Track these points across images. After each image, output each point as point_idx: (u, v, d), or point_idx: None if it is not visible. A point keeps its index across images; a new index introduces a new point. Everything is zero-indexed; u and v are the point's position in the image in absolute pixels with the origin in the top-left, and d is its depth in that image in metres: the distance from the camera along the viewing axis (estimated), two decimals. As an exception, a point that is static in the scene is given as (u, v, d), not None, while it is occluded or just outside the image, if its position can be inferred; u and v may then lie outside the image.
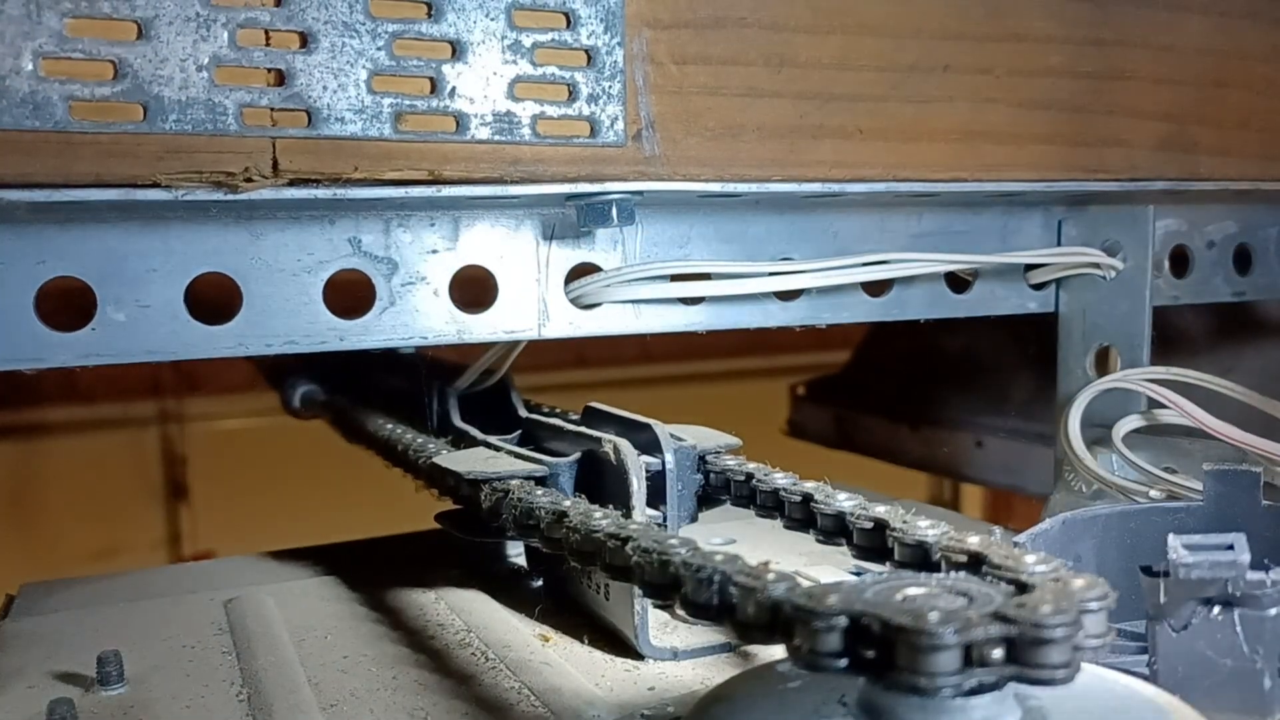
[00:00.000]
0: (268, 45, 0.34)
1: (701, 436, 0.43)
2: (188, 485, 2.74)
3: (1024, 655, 0.20)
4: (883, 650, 0.21)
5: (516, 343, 0.49)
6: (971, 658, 0.20)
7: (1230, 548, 0.32)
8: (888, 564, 0.30)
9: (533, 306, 0.43)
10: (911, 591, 0.22)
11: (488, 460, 0.41)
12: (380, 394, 0.67)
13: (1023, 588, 0.23)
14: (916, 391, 0.99)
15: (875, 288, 0.47)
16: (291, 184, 0.35)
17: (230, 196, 0.34)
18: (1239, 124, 0.50)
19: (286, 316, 0.39)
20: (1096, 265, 0.48)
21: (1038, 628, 0.20)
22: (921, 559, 0.27)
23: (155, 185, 0.33)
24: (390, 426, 0.55)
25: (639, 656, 0.39)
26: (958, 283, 0.49)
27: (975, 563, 0.25)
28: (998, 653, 0.20)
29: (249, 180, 0.34)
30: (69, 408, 2.56)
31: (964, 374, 0.96)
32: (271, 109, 0.34)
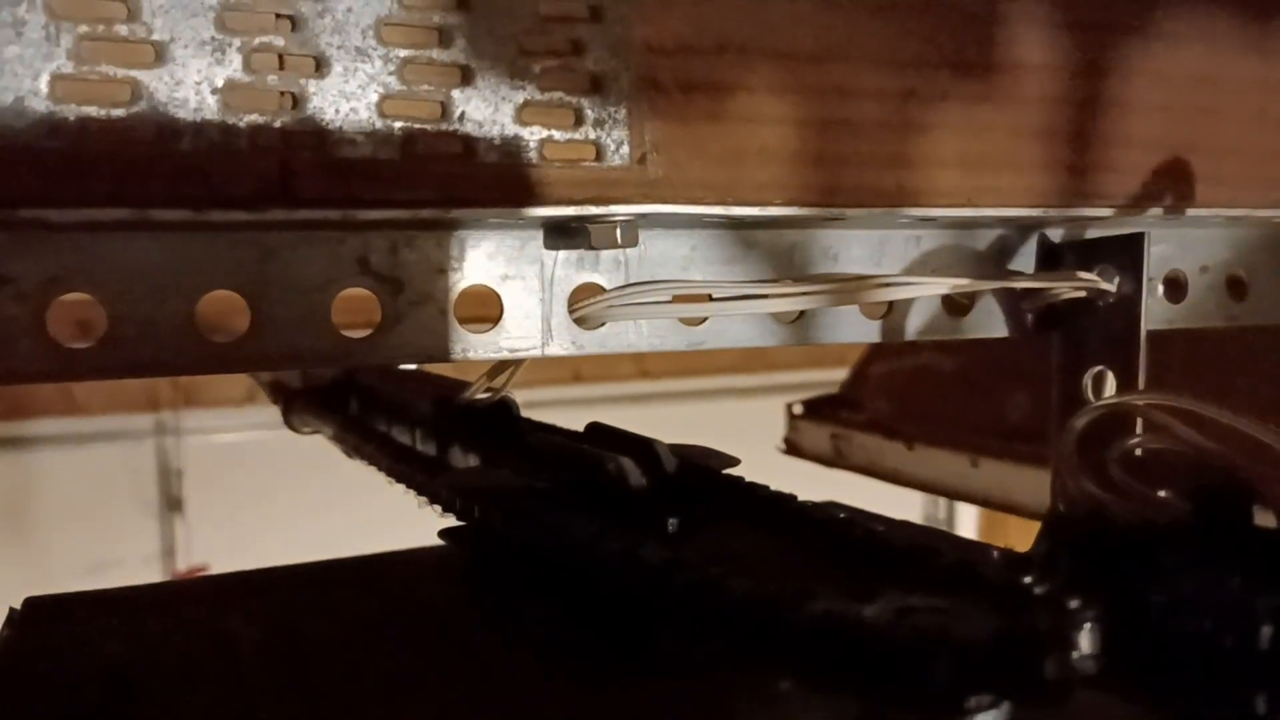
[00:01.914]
0: (281, 69, 0.35)
1: (703, 455, 0.44)
2: (183, 499, 2.74)
3: (1020, 674, 0.21)
4: (882, 668, 0.21)
5: (519, 361, 0.50)
6: (970, 676, 0.21)
7: (1221, 571, 0.33)
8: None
9: (536, 326, 0.43)
10: (909, 609, 0.23)
11: (491, 477, 0.42)
12: (381, 410, 0.68)
13: (1018, 606, 0.23)
14: (913, 411, 1.00)
15: (873, 309, 0.48)
16: (303, 205, 0.35)
17: (243, 217, 0.35)
18: (1232, 151, 0.51)
19: (295, 334, 0.40)
20: (1092, 289, 0.48)
21: (1035, 646, 0.21)
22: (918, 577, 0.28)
23: (169, 205, 0.34)
24: (392, 443, 0.56)
25: (639, 670, 0.40)
26: (955, 305, 0.50)
27: (971, 582, 0.26)
28: (995, 671, 0.21)
29: (261, 201, 0.35)
30: (65, 420, 2.56)
31: (960, 394, 0.97)
32: (284, 131, 0.35)
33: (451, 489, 0.42)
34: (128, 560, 2.54)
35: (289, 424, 0.78)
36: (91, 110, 0.33)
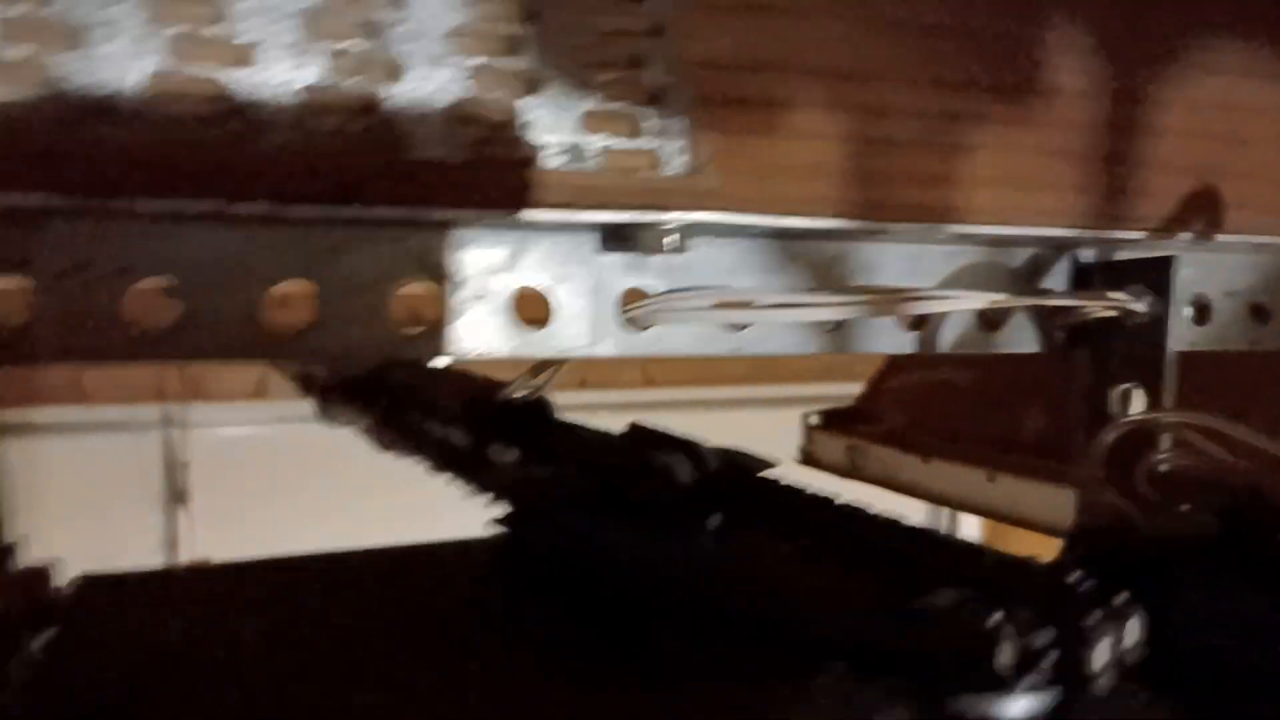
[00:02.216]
0: (360, 74, 0.36)
1: (740, 457, 0.45)
2: (188, 492, 2.75)
3: (1069, 660, 0.22)
4: (945, 654, 0.23)
5: (561, 362, 0.51)
6: (1024, 661, 0.22)
7: (1244, 589, 0.34)
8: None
9: (586, 326, 0.45)
10: (965, 601, 0.24)
11: (542, 472, 0.43)
12: (415, 406, 0.69)
13: (1067, 601, 0.25)
14: (929, 424, 1.01)
15: (909, 321, 0.50)
16: (375, 203, 0.37)
17: (318, 213, 0.36)
18: (1260, 178, 0.52)
19: (358, 326, 0.41)
20: (1121, 309, 0.50)
21: (1084, 635, 0.22)
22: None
23: (250, 198, 0.35)
24: (433, 436, 0.57)
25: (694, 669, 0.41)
26: (988, 320, 0.51)
27: (1021, 579, 0.27)
28: (1047, 657, 0.22)
29: (337, 198, 0.36)
30: (71, 409, 2.57)
31: (978, 409, 0.98)
32: (360, 133, 0.37)
33: (504, 480, 0.43)
34: (130, 551, 2.55)
35: (323, 415, 0.79)
36: (181, 106, 0.34)
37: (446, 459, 0.59)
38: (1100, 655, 0.22)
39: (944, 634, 0.22)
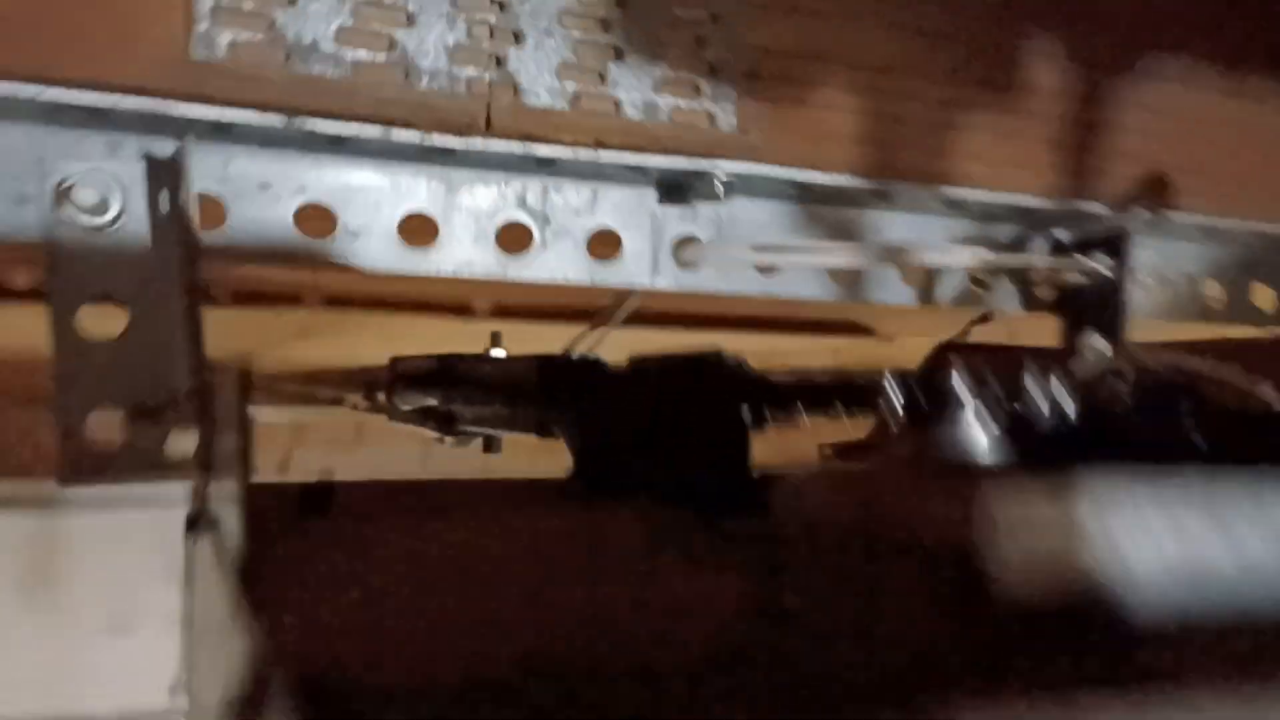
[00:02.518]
0: (492, 38, 0.48)
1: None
2: (209, 564, 2.78)
3: (1006, 387, 0.32)
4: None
5: (618, 310, 0.61)
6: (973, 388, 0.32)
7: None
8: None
9: (648, 263, 0.55)
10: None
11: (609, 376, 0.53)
12: (480, 386, 0.79)
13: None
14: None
15: (913, 277, 0.60)
16: (499, 137, 0.48)
17: (455, 144, 0.47)
18: (1202, 172, 0.63)
19: (469, 249, 0.52)
20: (1088, 273, 0.60)
21: (1022, 375, 0.32)
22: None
23: (407, 127, 0.46)
24: (508, 396, 0.67)
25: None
26: (979, 282, 0.62)
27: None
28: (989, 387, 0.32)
29: (471, 131, 0.47)
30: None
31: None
32: (490, 83, 0.48)
33: (573, 402, 0.53)
34: (149, 625, 2.58)
35: (391, 405, 0.89)
36: (362, 54, 0.46)
37: (513, 418, 0.68)
38: (1035, 388, 0.32)
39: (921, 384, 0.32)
